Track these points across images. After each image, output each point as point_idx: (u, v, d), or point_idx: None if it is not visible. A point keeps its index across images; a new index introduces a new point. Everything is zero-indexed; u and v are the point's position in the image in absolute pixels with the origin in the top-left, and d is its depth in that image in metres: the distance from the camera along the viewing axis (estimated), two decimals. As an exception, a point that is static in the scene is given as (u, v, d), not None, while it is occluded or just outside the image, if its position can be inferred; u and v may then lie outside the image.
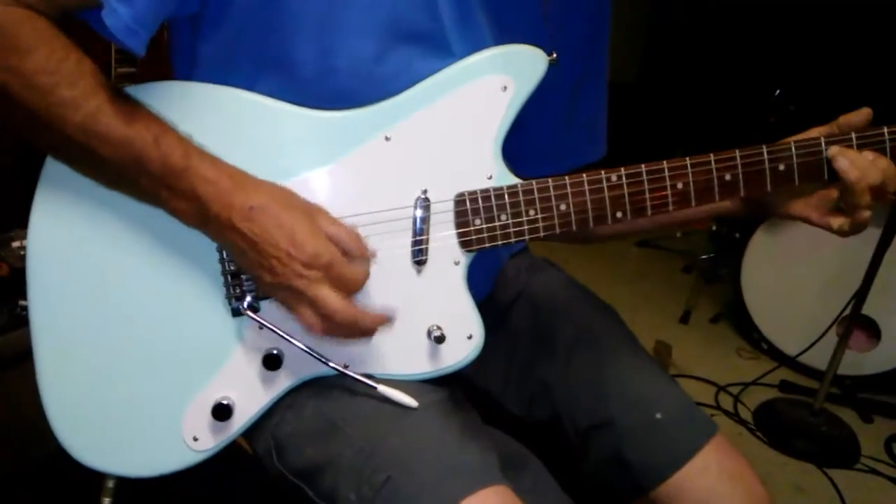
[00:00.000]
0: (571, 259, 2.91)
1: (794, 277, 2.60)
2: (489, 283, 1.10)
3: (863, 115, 0.90)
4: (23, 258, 1.66)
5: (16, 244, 1.71)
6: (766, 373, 2.55)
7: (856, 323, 2.16)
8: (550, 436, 1.05)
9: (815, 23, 2.97)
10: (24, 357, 1.53)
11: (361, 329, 0.79)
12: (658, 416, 0.97)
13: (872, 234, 2.07)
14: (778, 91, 2.74)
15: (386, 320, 0.81)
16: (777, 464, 2.18)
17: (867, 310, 2.16)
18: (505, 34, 0.89)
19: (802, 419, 2.30)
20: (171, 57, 0.93)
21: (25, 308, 1.59)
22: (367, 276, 0.79)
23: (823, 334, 2.42)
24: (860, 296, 2.10)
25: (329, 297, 0.75)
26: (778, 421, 2.35)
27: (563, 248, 1.24)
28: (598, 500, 1.03)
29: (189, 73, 0.88)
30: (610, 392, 0.99)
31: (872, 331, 2.48)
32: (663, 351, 2.55)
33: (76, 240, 0.81)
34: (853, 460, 2.21)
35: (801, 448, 2.22)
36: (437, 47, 0.85)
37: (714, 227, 3.25)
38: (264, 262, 0.74)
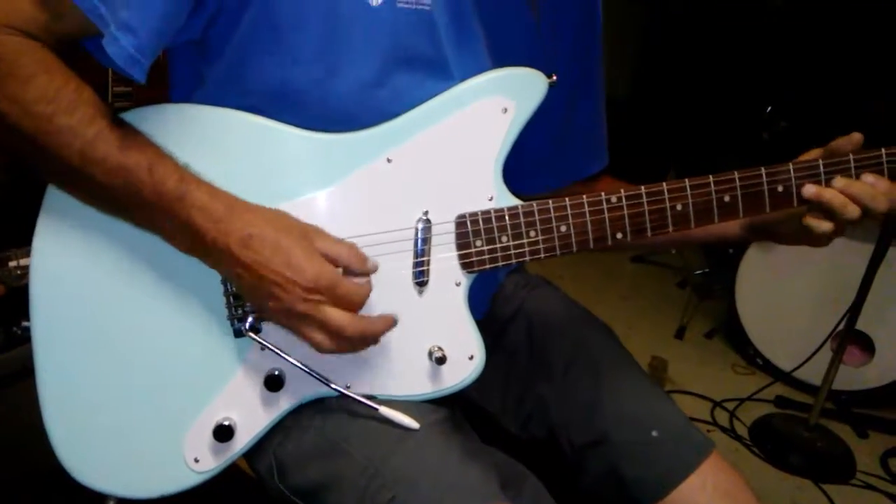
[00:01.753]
0: (566, 274, 2.92)
1: (788, 293, 2.61)
2: (486, 302, 1.11)
3: (854, 139, 0.90)
4: (19, 278, 1.66)
5: (12, 264, 1.70)
6: (761, 388, 2.55)
7: (850, 338, 2.17)
8: (547, 454, 1.05)
9: (806, 39, 3.00)
10: (19, 376, 1.53)
11: (371, 338, 0.80)
12: (654, 433, 0.97)
13: (866, 250, 2.09)
14: (770, 108, 2.77)
15: (393, 322, 0.82)
16: (773, 479, 2.18)
17: (861, 325, 2.18)
18: (503, 56, 0.90)
19: (798, 434, 2.31)
20: (171, 80, 0.93)
21: (24, 328, 1.59)
22: (369, 290, 0.79)
23: (818, 350, 2.42)
24: (854, 311, 2.12)
25: (336, 316, 0.76)
26: (774, 436, 2.35)
27: (557, 264, 1.25)
28: (594, 519, 1.03)
29: (189, 96, 0.89)
30: (606, 409, 0.99)
31: (866, 346, 2.49)
32: (659, 367, 2.56)
33: (79, 263, 0.81)
34: (849, 475, 2.22)
35: (797, 463, 2.23)
36: (437, 71, 0.86)
37: (708, 243, 3.25)
38: (265, 288, 0.75)
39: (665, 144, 3.47)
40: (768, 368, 2.67)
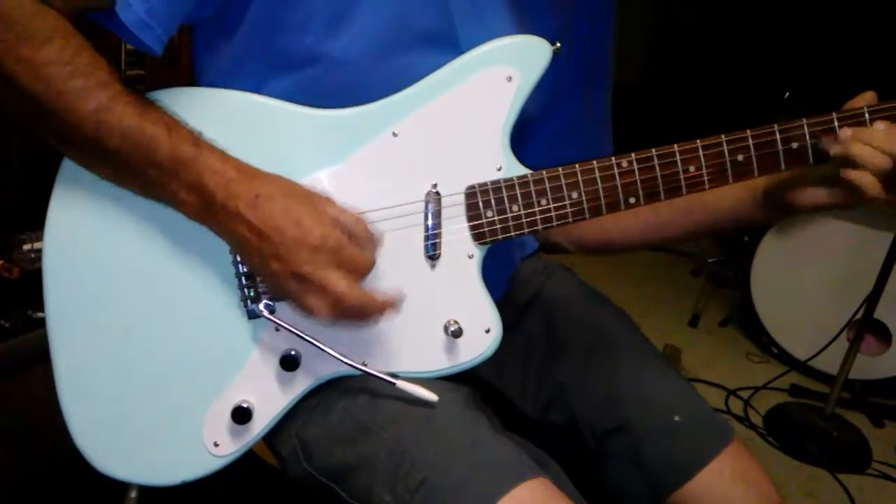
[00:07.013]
0: (579, 261, 2.88)
1: (804, 281, 2.59)
2: (503, 286, 1.10)
3: (867, 97, 0.87)
4: (33, 261, 1.67)
5: (27, 247, 1.71)
6: (776, 377, 2.53)
7: (867, 327, 2.15)
8: (564, 441, 1.04)
9: (824, 22, 2.96)
10: (37, 359, 1.53)
11: (369, 312, 0.78)
12: (676, 418, 0.96)
13: (885, 238, 2.06)
14: (788, 93, 2.73)
15: (394, 304, 0.80)
16: (788, 469, 2.16)
17: (878, 314, 2.15)
18: (523, 28, 0.89)
19: (813, 424, 2.28)
20: (193, 58, 0.93)
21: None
22: (373, 260, 0.78)
23: (834, 339, 2.39)
24: (872, 300, 2.09)
25: (338, 280, 0.74)
26: (789, 426, 2.33)
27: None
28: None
29: (206, 75, 0.89)
30: (628, 395, 0.98)
31: (883, 335, 2.46)
32: (672, 355, 2.54)
33: (92, 246, 0.81)
34: (864, 465, 2.20)
35: (812, 453, 2.21)
36: (446, 44, 0.86)
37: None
38: (270, 249, 0.74)
39: (678, 130, 3.44)
40: (783, 357, 2.65)
